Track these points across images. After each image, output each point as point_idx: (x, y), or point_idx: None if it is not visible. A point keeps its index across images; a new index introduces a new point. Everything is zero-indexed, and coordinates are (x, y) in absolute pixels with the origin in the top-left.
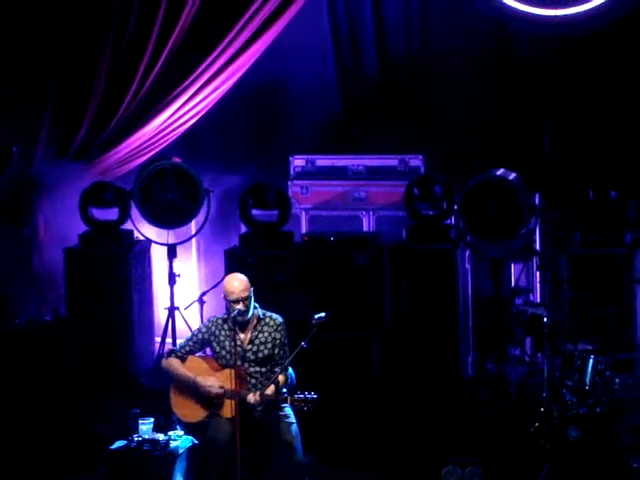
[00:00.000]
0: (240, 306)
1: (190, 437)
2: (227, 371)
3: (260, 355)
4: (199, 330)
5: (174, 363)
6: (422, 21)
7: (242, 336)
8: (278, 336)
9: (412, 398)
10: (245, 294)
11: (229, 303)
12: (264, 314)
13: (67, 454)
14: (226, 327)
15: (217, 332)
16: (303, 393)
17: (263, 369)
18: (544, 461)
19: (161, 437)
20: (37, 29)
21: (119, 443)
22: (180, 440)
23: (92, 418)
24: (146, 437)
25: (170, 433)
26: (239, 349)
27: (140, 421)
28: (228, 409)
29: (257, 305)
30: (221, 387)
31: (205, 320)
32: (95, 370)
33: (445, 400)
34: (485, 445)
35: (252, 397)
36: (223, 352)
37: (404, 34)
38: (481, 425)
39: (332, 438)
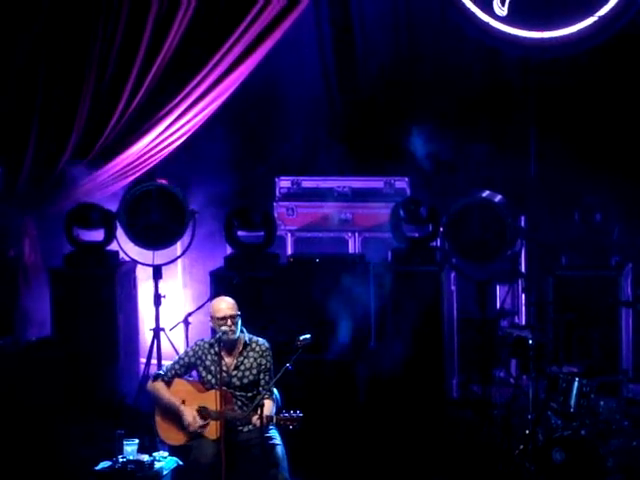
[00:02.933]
0: (226, 326)
1: (175, 458)
2: (213, 392)
3: (245, 381)
4: (186, 353)
5: (159, 387)
6: (410, 41)
7: (228, 361)
8: (264, 362)
9: (396, 420)
10: (232, 312)
11: (216, 323)
12: (250, 339)
13: (51, 475)
14: (212, 351)
15: (203, 356)
16: (288, 412)
17: (249, 394)
18: None
19: (146, 458)
20: (21, 48)
21: (104, 464)
22: (165, 461)
23: (77, 439)
24: (131, 458)
25: (155, 454)
26: (224, 375)
27: (125, 442)
28: (213, 430)
29: (244, 330)
30: (201, 427)
31: (192, 343)
32: (80, 391)
33: (430, 422)
34: (470, 467)
35: (256, 421)
36: (209, 376)
37: (391, 51)
38: (466, 447)
39: (317, 460)
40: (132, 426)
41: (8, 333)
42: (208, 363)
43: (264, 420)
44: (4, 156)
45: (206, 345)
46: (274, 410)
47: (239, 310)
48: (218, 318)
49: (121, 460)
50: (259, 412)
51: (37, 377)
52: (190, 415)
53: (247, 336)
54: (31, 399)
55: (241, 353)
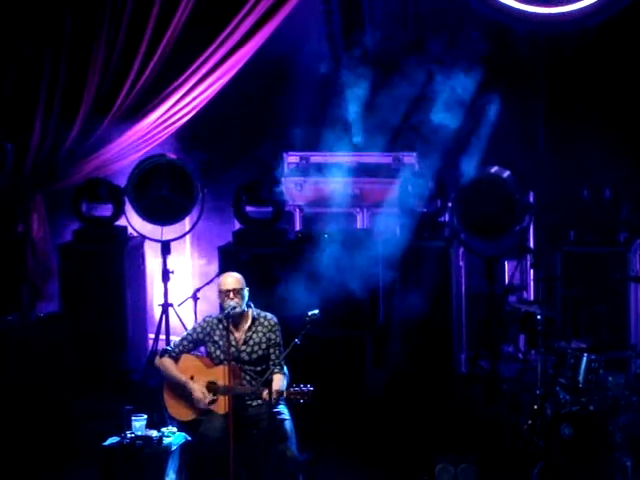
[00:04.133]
0: (233, 301)
1: (183, 434)
2: (221, 367)
3: (254, 356)
4: (194, 329)
5: (167, 363)
6: (417, 14)
7: (236, 336)
8: (273, 337)
9: (405, 395)
10: (239, 286)
11: (223, 298)
12: (258, 314)
13: (60, 450)
14: (221, 327)
15: (212, 332)
16: (299, 386)
17: (258, 368)
18: (537, 459)
19: (154, 433)
20: (29, 27)
21: (112, 439)
22: (173, 437)
23: (86, 414)
24: (139, 434)
25: (163, 429)
26: (233, 349)
27: (133, 417)
28: (222, 405)
29: (252, 305)
30: (210, 402)
31: (200, 319)
32: (88, 366)
33: (438, 397)
34: (478, 442)
35: (266, 395)
36: (218, 352)
37: (398, 26)
38: (474, 422)
39: (326, 435)
40: (140, 401)
41: (15, 309)
42: (216, 338)
43: (274, 395)
44: (13, 133)
45: (215, 321)
46: (284, 385)
47: (247, 285)
48: (224, 292)
49: (129, 436)
50: (269, 387)
51: (45, 353)
52: (199, 391)
53: (255, 311)
54: (39, 375)
55: (250, 328)
